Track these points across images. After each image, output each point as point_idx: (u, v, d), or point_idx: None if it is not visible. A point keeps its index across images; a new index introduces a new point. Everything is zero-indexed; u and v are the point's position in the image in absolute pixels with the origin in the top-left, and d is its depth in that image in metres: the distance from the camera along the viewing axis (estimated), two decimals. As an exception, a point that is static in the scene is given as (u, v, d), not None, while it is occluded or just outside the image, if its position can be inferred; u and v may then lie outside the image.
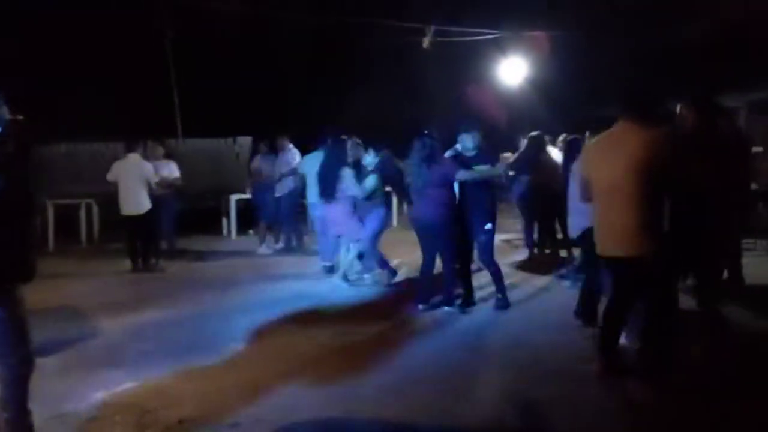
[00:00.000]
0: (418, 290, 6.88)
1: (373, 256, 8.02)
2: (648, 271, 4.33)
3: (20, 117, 3.52)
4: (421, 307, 6.68)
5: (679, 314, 4.82)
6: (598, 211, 4.49)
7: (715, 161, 4.61)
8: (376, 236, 7.99)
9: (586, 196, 4.65)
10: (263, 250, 10.75)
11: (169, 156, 10.39)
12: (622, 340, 5.01)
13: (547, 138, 9.52)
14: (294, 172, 10.17)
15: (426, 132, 6.80)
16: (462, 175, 6.50)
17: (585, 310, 5.76)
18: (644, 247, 4.25)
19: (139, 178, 9.37)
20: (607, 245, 4.45)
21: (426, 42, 14.69)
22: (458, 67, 18.24)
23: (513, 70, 17.16)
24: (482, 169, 6.57)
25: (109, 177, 9.51)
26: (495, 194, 6.90)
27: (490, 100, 16.19)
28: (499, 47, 16.79)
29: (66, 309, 7.15)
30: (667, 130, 4.48)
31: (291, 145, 10.64)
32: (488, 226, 6.63)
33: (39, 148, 3.60)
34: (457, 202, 6.67)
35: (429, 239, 6.77)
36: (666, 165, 4.16)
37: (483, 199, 6.65)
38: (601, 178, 4.42)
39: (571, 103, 17.16)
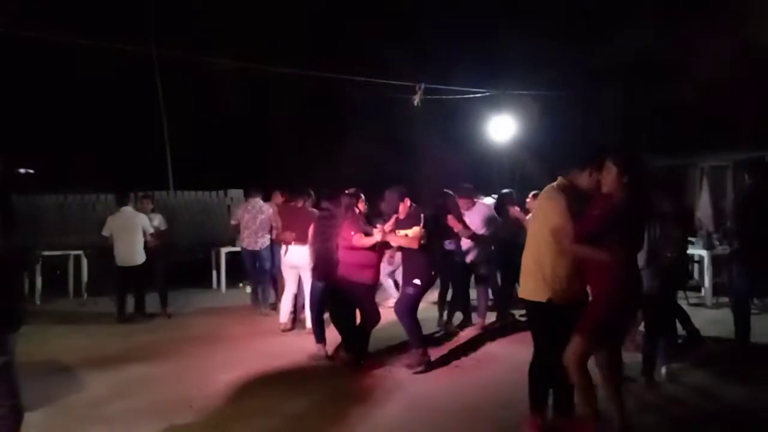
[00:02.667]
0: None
1: None
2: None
3: None
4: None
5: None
6: None
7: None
8: None
9: None
10: None
11: (153, 209, 10.31)
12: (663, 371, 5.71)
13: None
14: (236, 227, 10.33)
15: (347, 191, 6.88)
16: (356, 239, 6.62)
17: None
18: (528, 292, 4.52)
19: (135, 231, 9.51)
20: None
21: (416, 99, 14.89)
22: (448, 124, 18.52)
23: (502, 128, 17.38)
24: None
25: (105, 232, 9.63)
26: (430, 253, 6.78)
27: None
28: (489, 105, 17.06)
29: (51, 363, 7.07)
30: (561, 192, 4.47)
31: (253, 198, 10.31)
32: (416, 281, 6.59)
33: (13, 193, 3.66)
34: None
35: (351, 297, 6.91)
36: (546, 224, 4.38)
37: (415, 256, 6.65)
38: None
39: (560, 159, 17.39)
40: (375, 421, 5.15)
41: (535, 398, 4.67)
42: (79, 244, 12.19)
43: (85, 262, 12.08)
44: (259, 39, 18.52)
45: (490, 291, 8.90)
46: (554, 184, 4.55)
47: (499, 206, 8.88)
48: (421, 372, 6.46)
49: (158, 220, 10.06)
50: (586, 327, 4.27)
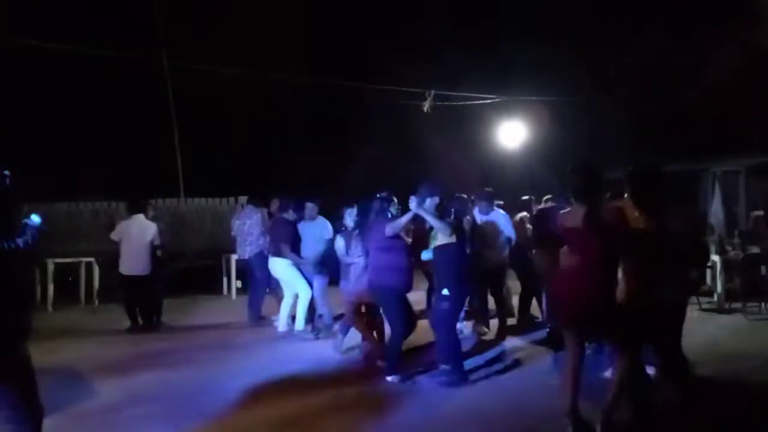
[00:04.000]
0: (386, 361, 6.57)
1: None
2: None
3: (6, 172, 3.61)
4: (389, 378, 6.33)
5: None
6: None
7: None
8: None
9: None
10: None
11: (153, 217, 10.17)
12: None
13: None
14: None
15: (378, 195, 6.71)
16: (387, 230, 6.30)
17: None
18: None
19: (143, 240, 9.36)
20: None
21: (426, 106, 14.90)
22: (458, 130, 18.49)
23: (512, 134, 17.35)
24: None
25: (114, 236, 9.52)
26: (462, 261, 6.32)
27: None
28: (499, 111, 17.03)
29: (62, 370, 7.06)
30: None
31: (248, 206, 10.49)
32: (445, 291, 6.21)
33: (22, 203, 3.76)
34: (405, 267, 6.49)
35: (381, 306, 6.75)
36: None
37: (446, 263, 6.28)
38: None
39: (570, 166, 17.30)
40: (387, 430, 5.12)
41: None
42: (91, 252, 12.24)
43: (96, 269, 12.12)
44: (271, 47, 18.58)
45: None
46: None
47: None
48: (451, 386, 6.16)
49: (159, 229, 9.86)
50: None
